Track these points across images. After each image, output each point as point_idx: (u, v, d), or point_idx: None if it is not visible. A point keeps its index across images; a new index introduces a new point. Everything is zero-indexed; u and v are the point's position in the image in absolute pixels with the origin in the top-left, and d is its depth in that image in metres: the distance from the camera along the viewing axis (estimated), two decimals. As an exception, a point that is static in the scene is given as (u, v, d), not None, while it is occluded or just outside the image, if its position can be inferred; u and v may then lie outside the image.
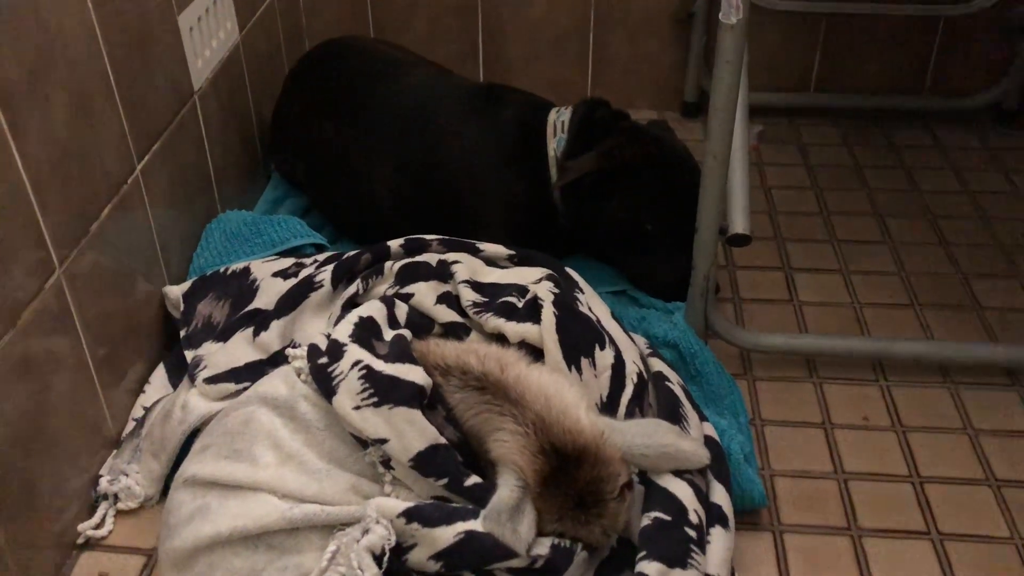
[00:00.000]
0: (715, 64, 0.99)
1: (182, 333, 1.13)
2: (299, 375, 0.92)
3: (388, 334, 0.95)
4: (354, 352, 0.89)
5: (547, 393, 0.87)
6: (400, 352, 0.90)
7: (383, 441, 0.84)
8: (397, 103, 1.31)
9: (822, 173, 1.60)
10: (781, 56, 1.75)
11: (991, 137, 1.70)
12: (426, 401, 0.87)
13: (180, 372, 1.11)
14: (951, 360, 1.17)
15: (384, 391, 0.85)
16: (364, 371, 0.87)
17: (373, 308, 0.97)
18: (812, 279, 1.35)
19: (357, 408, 0.85)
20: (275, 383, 0.92)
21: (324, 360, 0.90)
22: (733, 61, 0.97)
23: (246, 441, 0.88)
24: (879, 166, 1.62)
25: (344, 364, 0.88)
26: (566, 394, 0.87)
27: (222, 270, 1.18)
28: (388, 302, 1.00)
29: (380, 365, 0.87)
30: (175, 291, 1.16)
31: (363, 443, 0.86)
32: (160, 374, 1.12)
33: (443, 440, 0.85)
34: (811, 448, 1.08)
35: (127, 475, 1.02)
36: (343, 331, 0.92)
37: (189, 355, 1.09)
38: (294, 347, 1.01)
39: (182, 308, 1.15)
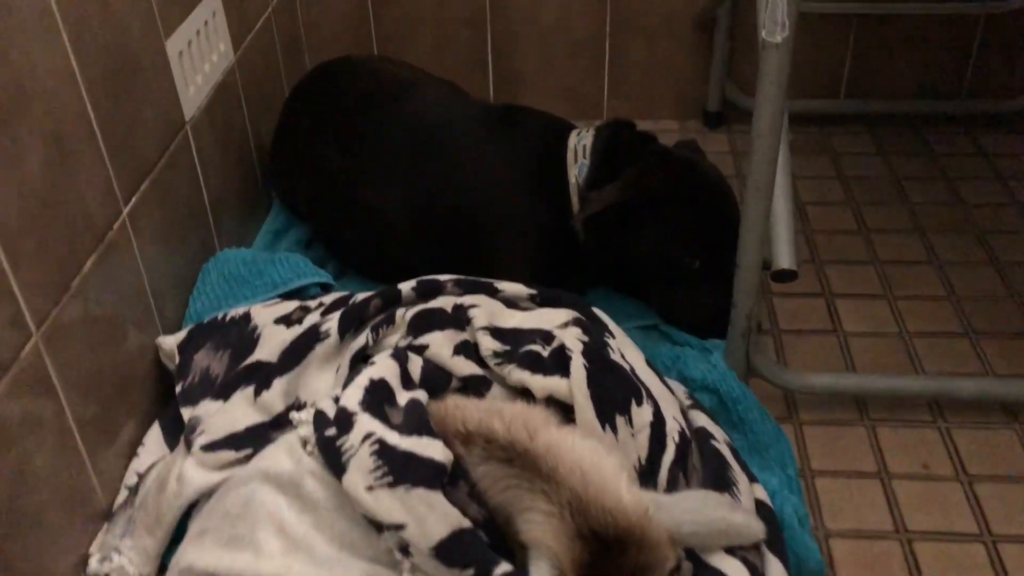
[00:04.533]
0: (758, 86, 0.89)
1: (178, 388, 1.03)
2: (304, 445, 0.83)
3: (402, 397, 0.85)
4: (365, 423, 0.80)
5: (583, 466, 0.77)
6: (416, 422, 0.80)
7: (400, 527, 0.75)
8: (405, 127, 1.22)
9: (858, 186, 1.50)
10: (809, 61, 1.64)
11: (1036, 142, 1.60)
12: (447, 478, 0.78)
13: (177, 431, 1.02)
14: (1016, 399, 1.07)
15: (400, 470, 0.76)
16: (377, 446, 0.77)
17: (385, 368, 0.87)
18: (855, 306, 1.25)
19: (370, 488, 0.76)
20: (278, 456, 0.83)
21: (332, 432, 0.80)
22: (778, 82, 0.87)
23: (247, 525, 0.79)
24: (918, 177, 1.52)
25: (354, 437, 0.79)
26: (604, 466, 0.78)
27: (220, 317, 1.09)
28: (401, 358, 0.90)
29: (394, 438, 0.78)
30: (169, 342, 1.07)
31: (378, 526, 0.77)
32: (155, 434, 1.03)
33: (467, 523, 0.76)
34: (868, 502, 0.99)
35: (120, 552, 0.92)
36: (352, 397, 0.83)
37: (186, 413, 1.00)
38: (298, 408, 0.92)
39: (177, 360, 1.05)
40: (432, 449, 0.77)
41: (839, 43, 1.62)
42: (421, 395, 0.86)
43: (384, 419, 0.81)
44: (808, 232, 1.40)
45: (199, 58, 1.20)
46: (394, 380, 0.86)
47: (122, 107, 0.99)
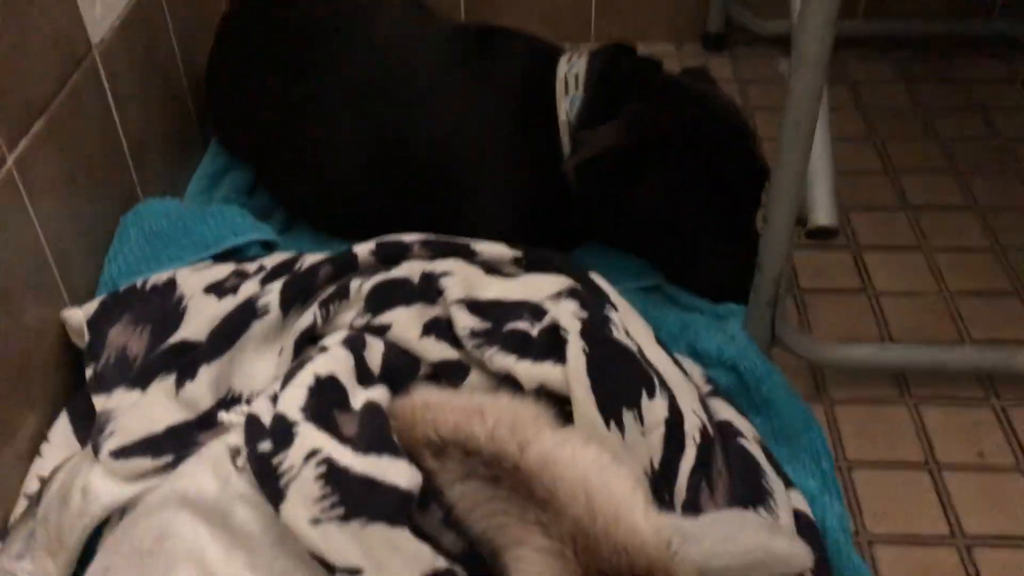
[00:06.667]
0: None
1: (88, 372, 0.85)
2: (234, 458, 0.66)
3: (358, 398, 0.68)
4: (309, 436, 0.62)
5: (588, 487, 0.61)
6: (375, 435, 0.63)
7: (356, 572, 0.59)
8: (362, 55, 1.02)
9: (881, 120, 1.33)
10: (823, -26, 1.44)
11: (1076, 66, 1.42)
12: (415, 505, 0.61)
13: (89, 423, 0.84)
14: (1083, 372, 0.92)
15: (354, 499, 0.59)
16: (324, 467, 0.60)
17: (335, 360, 0.69)
18: (887, 260, 1.09)
19: (316, 522, 0.59)
20: (200, 475, 0.66)
21: (267, 446, 0.63)
22: (830, -7, 0.69)
23: (161, 565, 0.62)
24: (949, 109, 1.34)
25: (295, 455, 0.62)
26: (615, 487, 0.62)
27: (139, 284, 0.90)
28: (356, 344, 0.73)
29: (347, 458, 0.61)
30: (77, 315, 0.88)
31: (328, 566, 0.60)
32: (62, 428, 0.85)
33: (442, 564, 0.60)
34: (916, 500, 0.84)
35: (16, 579, 0.76)
36: (293, 400, 0.65)
37: (99, 402, 0.82)
38: (229, 404, 0.75)
39: (88, 338, 0.87)
40: (395, 472, 0.60)
41: (858, -46, 1.42)
42: (381, 394, 0.68)
43: (334, 430, 0.64)
44: (828, 173, 1.22)
45: (108, -33, 0.99)
46: (347, 375, 0.69)
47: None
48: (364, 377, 0.71)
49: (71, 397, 0.88)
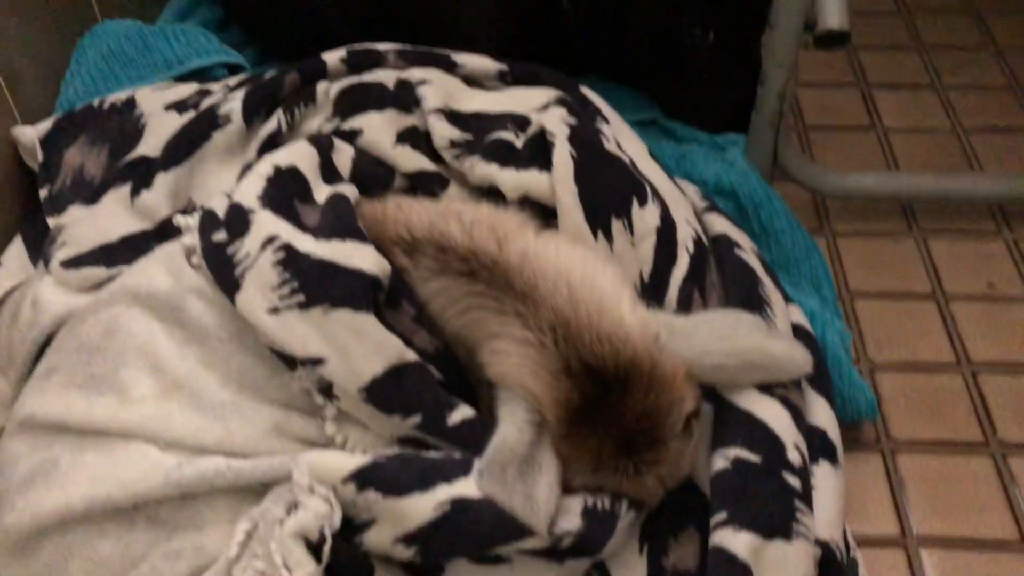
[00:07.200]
0: None
1: (43, 193, 0.80)
2: (189, 257, 0.61)
3: (321, 192, 0.63)
4: (266, 223, 0.57)
5: (571, 279, 0.56)
6: (340, 221, 0.58)
7: (318, 361, 0.54)
8: None
9: (896, -39, 1.25)
10: None
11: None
12: (383, 297, 0.56)
13: (45, 247, 0.79)
14: (1102, 202, 0.86)
15: (314, 285, 0.54)
16: (282, 253, 0.56)
17: (298, 153, 0.64)
18: (897, 98, 1.03)
19: (274, 311, 0.55)
20: (153, 270, 0.61)
21: (222, 236, 0.58)
22: None
23: (110, 360, 0.58)
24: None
25: (251, 242, 0.57)
26: (600, 280, 0.57)
27: (96, 103, 0.84)
28: (322, 143, 0.67)
29: (308, 244, 0.56)
30: (28, 133, 0.82)
31: (289, 360, 0.56)
32: (17, 251, 0.80)
33: (411, 356, 0.55)
34: (921, 329, 0.80)
35: (-32, 399, 0.72)
36: (250, 189, 0.60)
37: (52, 223, 0.77)
38: (188, 212, 0.69)
39: (41, 158, 0.81)
40: (360, 256, 0.55)
41: None
42: (348, 189, 0.63)
43: (293, 219, 0.59)
44: (837, 13, 1.15)
45: None
46: (310, 170, 0.63)
47: None
48: (330, 176, 0.65)
49: (26, 222, 0.83)
